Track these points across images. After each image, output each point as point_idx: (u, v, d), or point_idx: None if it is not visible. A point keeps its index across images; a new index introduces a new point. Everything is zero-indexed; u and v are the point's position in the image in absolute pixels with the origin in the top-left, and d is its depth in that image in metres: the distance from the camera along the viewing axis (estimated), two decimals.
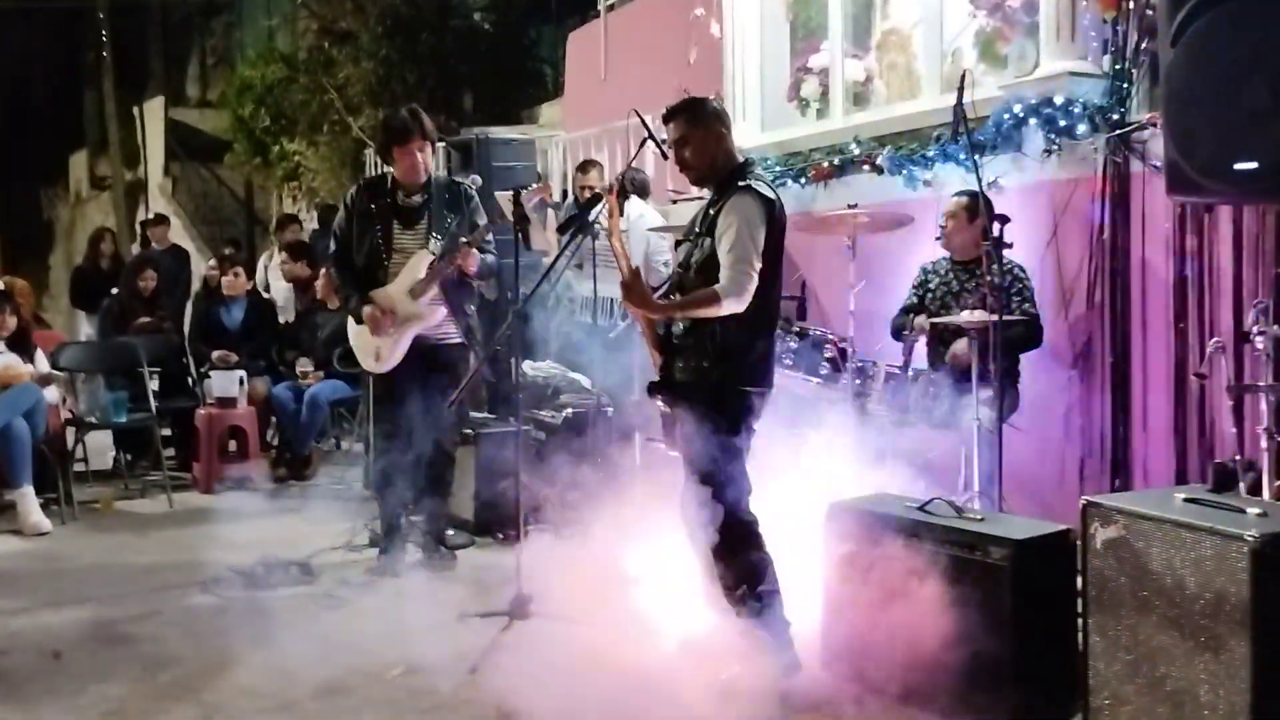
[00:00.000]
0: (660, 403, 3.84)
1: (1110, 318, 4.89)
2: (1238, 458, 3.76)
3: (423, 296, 5.11)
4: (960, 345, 4.84)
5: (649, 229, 6.50)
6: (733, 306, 3.62)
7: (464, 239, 5.10)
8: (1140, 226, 4.79)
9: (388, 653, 4.03)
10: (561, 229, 6.26)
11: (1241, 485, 3.61)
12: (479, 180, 6.01)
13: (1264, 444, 3.69)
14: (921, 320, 5.08)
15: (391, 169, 5.28)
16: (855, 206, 5.13)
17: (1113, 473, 4.86)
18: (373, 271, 5.19)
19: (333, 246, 5.40)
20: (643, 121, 4.30)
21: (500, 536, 5.51)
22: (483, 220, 5.33)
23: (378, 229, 5.17)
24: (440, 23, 12.53)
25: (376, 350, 5.20)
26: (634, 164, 5.54)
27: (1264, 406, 3.73)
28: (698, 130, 3.84)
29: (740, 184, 3.72)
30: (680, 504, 3.85)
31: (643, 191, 6.89)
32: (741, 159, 3.94)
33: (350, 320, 5.30)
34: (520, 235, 4.87)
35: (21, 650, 4.24)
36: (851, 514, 3.80)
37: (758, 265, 3.64)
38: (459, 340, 5.27)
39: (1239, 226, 4.40)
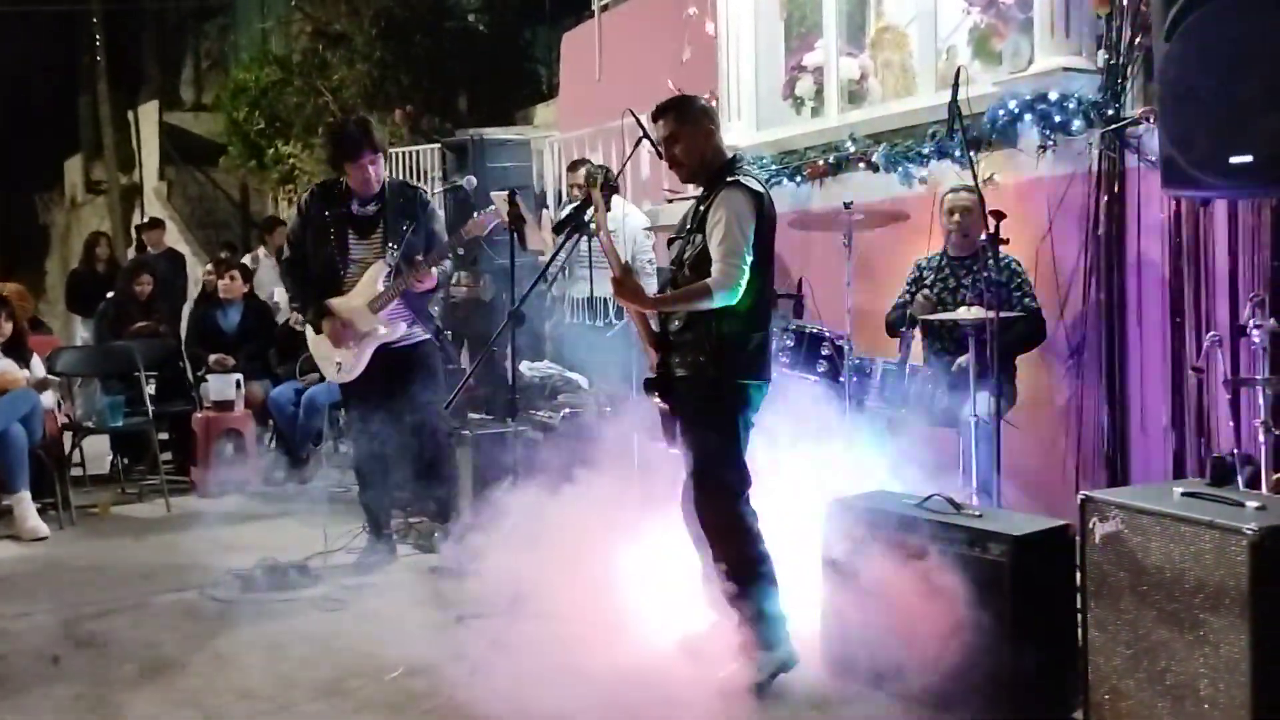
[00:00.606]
0: (658, 399, 3.84)
1: (1106, 312, 4.89)
2: (1235, 451, 3.77)
3: (382, 311, 5.07)
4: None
5: (642, 228, 6.50)
6: (725, 299, 3.64)
7: (420, 259, 5.05)
8: (1136, 221, 4.79)
9: (387, 654, 4.03)
10: (557, 228, 6.26)
11: (1239, 479, 3.61)
12: (474, 181, 6.01)
13: (1261, 437, 3.69)
14: (921, 296, 4.97)
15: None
16: (851, 204, 5.13)
17: (1110, 467, 4.86)
18: (329, 281, 5.13)
19: (286, 252, 5.35)
20: (638, 121, 4.30)
21: (498, 537, 5.48)
22: (439, 226, 5.29)
23: (332, 239, 5.10)
24: (434, 24, 12.49)
25: (338, 361, 5.15)
26: (626, 164, 5.53)
27: (1261, 400, 3.73)
28: (686, 128, 3.86)
29: (729, 179, 3.74)
30: (680, 501, 3.85)
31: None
32: (730, 155, 3.95)
33: (309, 330, 5.26)
34: (516, 235, 4.86)
35: (20, 654, 4.23)
36: (850, 510, 3.80)
37: (749, 258, 3.66)
38: (424, 337, 5.24)
39: (1234, 220, 4.40)
